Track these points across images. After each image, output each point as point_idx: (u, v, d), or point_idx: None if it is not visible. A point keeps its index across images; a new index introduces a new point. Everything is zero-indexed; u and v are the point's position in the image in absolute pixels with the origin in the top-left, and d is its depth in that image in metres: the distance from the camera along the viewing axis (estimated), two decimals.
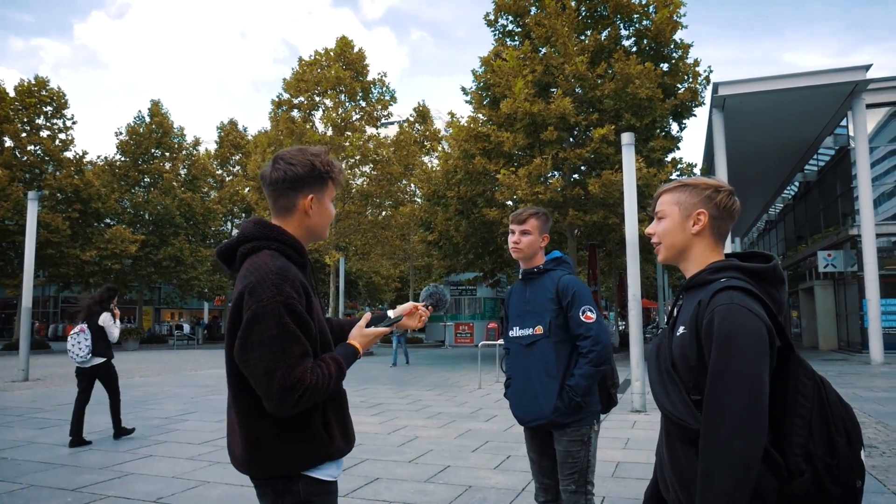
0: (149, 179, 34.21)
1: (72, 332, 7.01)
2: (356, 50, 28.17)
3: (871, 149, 18.92)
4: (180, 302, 39.26)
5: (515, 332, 2.97)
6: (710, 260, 1.64)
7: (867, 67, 16.92)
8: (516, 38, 19.54)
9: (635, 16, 18.20)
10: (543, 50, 18.02)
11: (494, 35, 19.93)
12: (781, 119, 20.00)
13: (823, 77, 17.39)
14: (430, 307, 2.17)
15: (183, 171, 35.87)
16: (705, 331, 1.46)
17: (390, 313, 2.09)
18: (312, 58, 27.76)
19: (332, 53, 27.66)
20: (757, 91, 17.82)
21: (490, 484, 5.06)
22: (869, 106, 18.70)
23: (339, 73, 26.29)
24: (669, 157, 18.11)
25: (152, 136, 33.54)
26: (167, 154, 34.62)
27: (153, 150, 33.98)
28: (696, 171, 19.26)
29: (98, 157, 33.29)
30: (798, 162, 26.27)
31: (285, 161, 1.78)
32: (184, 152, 35.86)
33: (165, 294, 41.01)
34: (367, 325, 1.95)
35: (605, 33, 18.18)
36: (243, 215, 40.57)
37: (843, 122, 20.87)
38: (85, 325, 7.01)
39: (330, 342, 1.82)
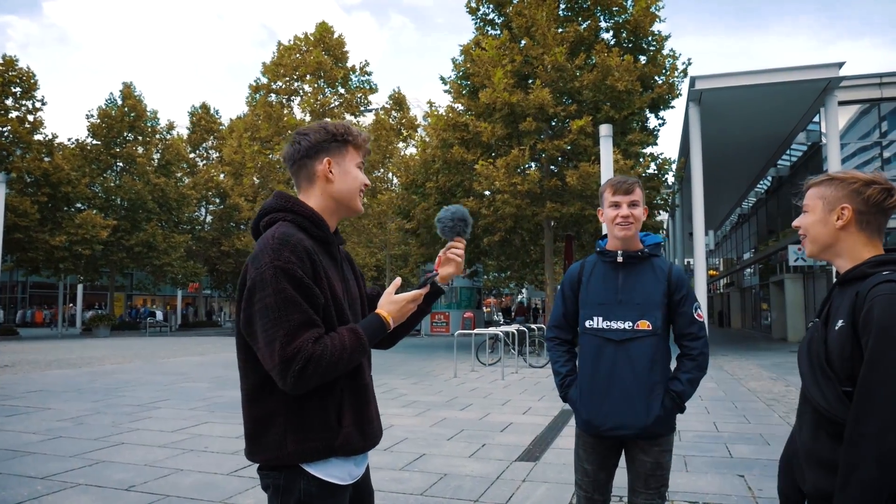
0: (121, 164, 33.56)
1: None
2: (336, 36, 27.93)
3: (842, 145, 19.28)
4: (153, 288, 38.66)
5: (598, 322, 2.44)
6: (865, 254, 1.57)
7: (840, 65, 17.18)
8: (497, 27, 19.50)
9: (615, 8, 18.27)
10: (523, 41, 18.02)
11: (475, 23, 19.87)
12: (756, 114, 20.25)
13: (798, 73, 17.63)
14: (456, 239, 1.92)
15: (156, 156, 35.25)
16: (863, 321, 1.42)
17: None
18: (291, 42, 27.46)
19: (311, 38, 27.39)
20: (733, 85, 18.00)
21: (465, 472, 5.08)
22: (841, 103, 19.01)
23: (319, 58, 26.03)
24: (647, 151, 18.26)
25: (125, 119, 32.84)
26: (140, 138, 33.97)
27: (126, 134, 33.29)
28: (674, 165, 19.43)
29: (69, 139, 32.55)
30: (771, 157, 26.68)
31: (300, 133, 1.75)
32: (157, 136, 35.22)
33: (138, 280, 40.40)
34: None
35: (584, 25, 18.23)
36: (217, 201, 40.06)
37: (816, 119, 21.23)
38: None
39: (348, 317, 1.68)
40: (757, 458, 5.47)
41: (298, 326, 1.50)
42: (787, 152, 25.47)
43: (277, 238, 1.55)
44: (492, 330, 14.63)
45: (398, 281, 1.83)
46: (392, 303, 1.75)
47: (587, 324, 2.47)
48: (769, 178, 29.21)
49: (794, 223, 1.72)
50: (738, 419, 7.47)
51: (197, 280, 38.68)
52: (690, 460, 5.42)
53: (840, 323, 1.48)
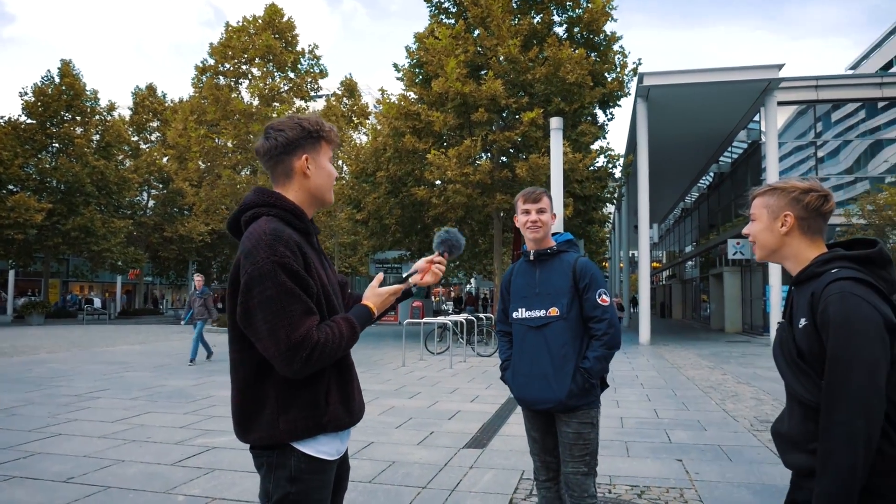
0: (57, 145, 32.10)
1: None
2: (285, 19, 27.38)
3: (780, 144, 20.04)
4: (91, 275, 37.25)
5: (521, 313, 2.88)
6: (810, 255, 1.71)
7: (780, 66, 17.84)
8: (451, 16, 19.45)
9: (568, 3, 18.46)
10: (478, 31, 18.04)
11: (430, 11, 19.77)
12: (701, 111, 20.86)
13: (740, 73, 18.23)
14: (444, 254, 2.09)
15: (96, 137, 33.85)
16: (820, 320, 1.55)
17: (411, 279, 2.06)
18: (240, 24, 26.78)
19: (259, 21, 26.77)
20: (679, 83, 18.50)
21: (413, 459, 5.12)
22: (780, 103, 19.77)
23: (268, 42, 25.45)
24: (596, 145, 18.57)
25: (62, 98, 31.38)
26: (78, 118, 32.56)
27: (63, 114, 31.83)
28: (621, 160, 19.81)
29: (1, 117, 30.92)
30: (714, 153, 27.54)
31: (274, 129, 1.80)
32: (97, 117, 33.80)
33: (74, 266, 38.85)
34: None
35: (537, 18, 18.36)
36: (161, 186, 38.84)
37: (756, 118, 22.02)
38: None
39: (336, 307, 1.80)
40: (695, 444, 5.69)
41: (301, 315, 1.60)
42: (729, 150, 26.32)
43: (270, 234, 1.64)
44: (440, 319, 14.70)
45: (381, 276, 1.98)
46: (377, 295, 1.90)
47: (514, 315, 2.92)
48: (711, 174, 30.15)
49: (744, 231, 1.85)
50: (678, 406, 7.74)
51: (138, 267, 37.48)
52: (632, 446, 5.60)
53: (803, 321, 1.61)
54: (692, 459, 5.14)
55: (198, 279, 12.66)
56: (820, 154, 22.68)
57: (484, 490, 4.33)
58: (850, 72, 53.69)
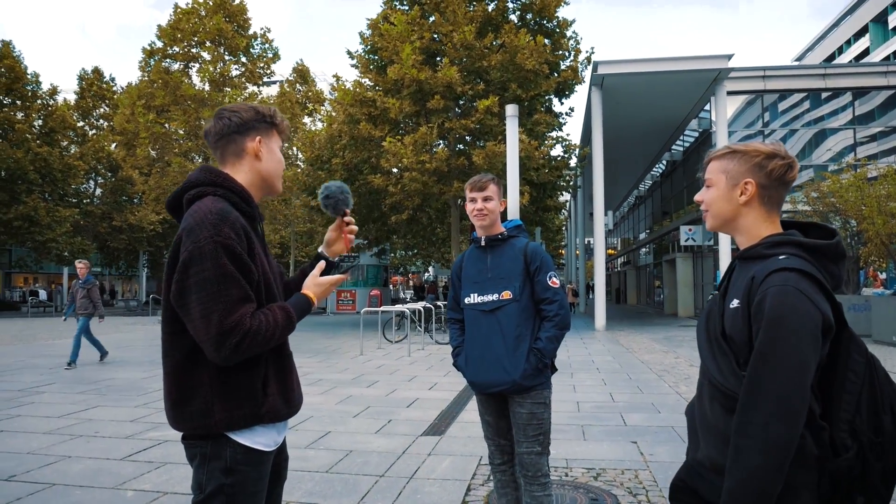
0: None
1: None
2: (237, 1, 26.74)
3: (729, 133, 20.54)
4: (35, 266, 35.86)
5: (473, 298, 2.91)
6: (763, 231, 1.55)
7: (729, 57, 18.25)
8: (406, 2, 19.26)
9: None
10: (433, 17, 17.91)
11: None
12: (654, 100, 21.21)
13: (691, 63, 18.58)
14: (344, 215, 2.02)
15: (38, 123, 32.49)
16: (755, 309, 1.41)
17: (321, 249, 2.03)
18: (189, 6, 26.03)
19: (210, 3, 26.06)
20: (633, 72, 18.75)
21: (371, 448, 5.09)
22: (730, 93, 20.26)
23: (220, 25, 24.79)
24: (554, 134, 18.70)
25: (1, 81, 30.03)
26: (19, 102, 31.18)
27: (2, 98, 30.48)
28: (577, 151, 20.01)
29: None
30: (666, 142, 28.06)
31: (228, 110, 1.79)
32: (39, 101, 32.44)
33: (17, 257, 37.34)
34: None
35: (492, 5, 18.32)
36: (109, 174, 37.61)
37: (707, 107, 22.51)
38: None
39: (276, 295, 1.76)
40: (649, 426, 5.81)
41: (237, 301, 1.56)
42: (681, 138, 26.88)
43: (216, 213, 1.60)
44: (398, 307, 14.65)
45: (322, 264, 1.94)
46: (317, 285, 1.87)
47: (466, 300, 2.95)
48: (664, 162, 30.75)
49: (697, 197, 1.69)
50: (632, 389, 7.89)
51: (85, 257, 36.25)
52: (588, 429, 5.68)
53: (735, 303, 1.48)
54: (647, 441, 5.24)
55: (80, 266, 10.68)
56: (767, 143, 23.35)
57: (442, 477, 4.34)
58: (796, 63, 55.31)
